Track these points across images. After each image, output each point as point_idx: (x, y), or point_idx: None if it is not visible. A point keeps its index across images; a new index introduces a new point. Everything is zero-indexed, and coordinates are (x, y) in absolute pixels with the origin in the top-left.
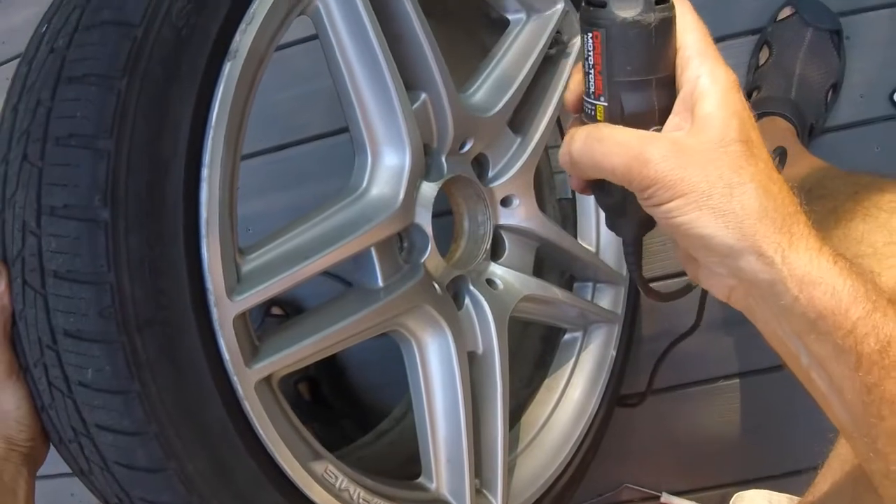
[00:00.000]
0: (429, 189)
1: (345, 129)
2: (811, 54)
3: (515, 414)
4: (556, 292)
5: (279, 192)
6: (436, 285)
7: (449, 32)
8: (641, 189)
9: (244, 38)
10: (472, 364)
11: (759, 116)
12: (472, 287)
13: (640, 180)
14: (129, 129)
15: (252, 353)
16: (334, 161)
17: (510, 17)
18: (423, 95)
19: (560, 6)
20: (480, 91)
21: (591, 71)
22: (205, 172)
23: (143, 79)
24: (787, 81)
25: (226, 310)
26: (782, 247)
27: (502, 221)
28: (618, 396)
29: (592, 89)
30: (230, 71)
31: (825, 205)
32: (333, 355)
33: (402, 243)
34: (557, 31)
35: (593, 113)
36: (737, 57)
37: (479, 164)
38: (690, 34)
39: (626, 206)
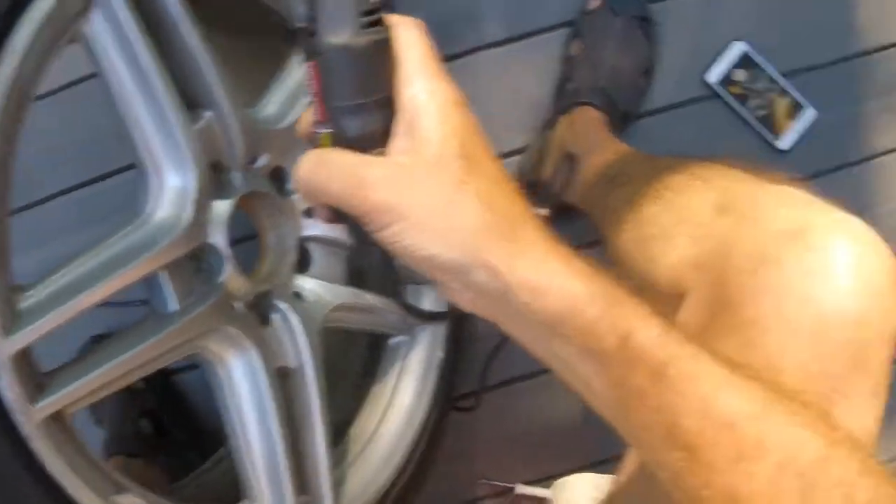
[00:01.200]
0: (222, 207)
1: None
2: (621, 42)
3: (344, 425)
4: (370, 299)
5: (84, 231)
6: (236, 304)
7: (241, 46)
8: (362, 214)
9: (2, 70)
10: (287, 379)
11: (571, 107)
12: (278, 302)
13: (360, 206)
14: None
15: (37, 389)
16: (79, 215)
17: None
18: (208, 113)
19: None
20: (272, 103)
21: (315, 100)
22: None
23: None
24: (598, 71)
25: (1, 349)
26: (509, 256)
27: (306, 233)
28: (452, 398)
29: (318, 117)
30: None
31: (624, 190)
32: (171, 385)
33: (199, 264)
34: None
35: (321, 141)
36: (549, 50)
37: (278, 176)
38: (411, 51)
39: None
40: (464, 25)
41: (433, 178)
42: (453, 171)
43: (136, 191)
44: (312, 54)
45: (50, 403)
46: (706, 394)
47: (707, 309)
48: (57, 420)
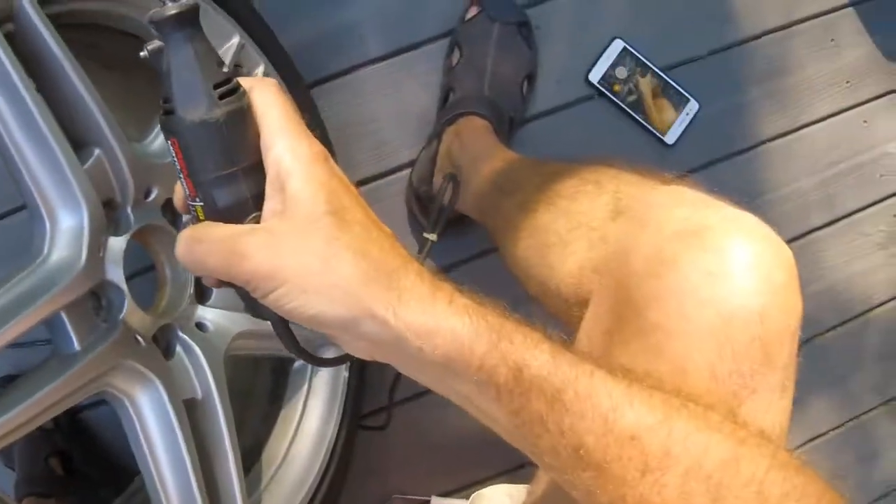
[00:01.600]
0: (117, 243)
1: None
2: (501, 49)
3: (255, 450)
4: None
5: None
6: (139, 338)
7: (121, 81)
8: (244, 283)
9: None
10: (195, 410)
11: (456, 117)
12: (180, 334)
13: (240, 275)
14: None
15: None
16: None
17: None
18: (97, 151)
19: (236, 39)
20: (159, 138)
21: (181, 175)
22: None
23: None
24: (480, 79)
25: None
26: (392, 304)
27: None
28: (361, 416)
29: (187, 192)
30: None
31: (516, 198)
32: (79, 422)
33: (99, 302)
34: (237, 65)
35: (196, 214)
36: (431, 62)
37: (170, 209)
38: (269, 113)
39: None
40: (346, 42)
41: (306, 238)
42: (324, 228)
43: (31, 234)
44: (172, 133)
45: None
46: (606, 411)
47: (611, 314)
48: None
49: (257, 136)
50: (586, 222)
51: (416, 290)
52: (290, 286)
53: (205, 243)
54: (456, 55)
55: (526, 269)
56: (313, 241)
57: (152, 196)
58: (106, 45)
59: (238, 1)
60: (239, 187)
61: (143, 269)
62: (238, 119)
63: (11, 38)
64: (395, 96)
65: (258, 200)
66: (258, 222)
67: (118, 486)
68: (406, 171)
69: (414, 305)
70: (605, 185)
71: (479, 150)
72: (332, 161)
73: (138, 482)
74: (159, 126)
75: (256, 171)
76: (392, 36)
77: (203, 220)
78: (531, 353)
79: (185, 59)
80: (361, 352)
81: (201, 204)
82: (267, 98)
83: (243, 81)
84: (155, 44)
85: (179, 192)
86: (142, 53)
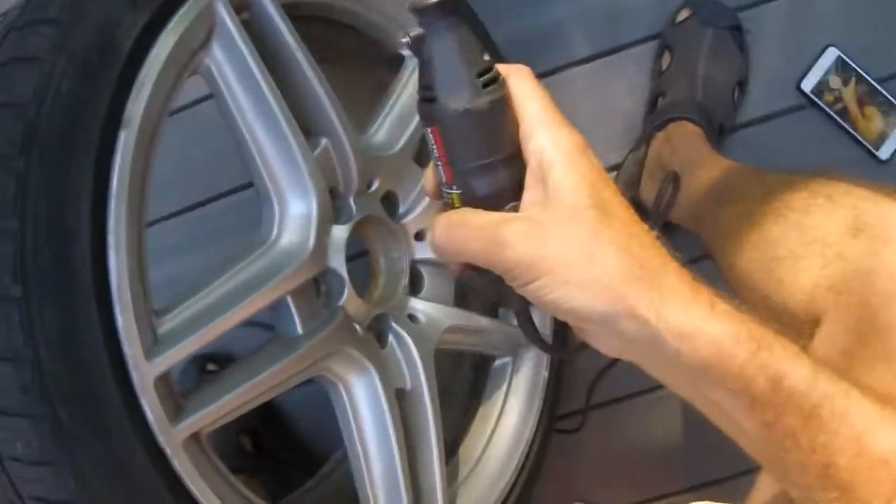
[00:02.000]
0: (340, 232)
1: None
2: (713, 54)
3: (454, 445)
4: (480, 321)
5: (199, 251)
6: (357, 326)
7: (345, 74)
8: (504, 272)
9: (136, 106)
10: (403, 400)
11: (667, 122)
12: (394, 324)
13: (501, 264)
14: (32, 207)
15: (176, 411)
16: (250, 215)
17: (404, 52)
18: (324, 140)
19: None
20: (382, 129)
21: (439, 163)
22: (111, 240)
23: (40, 156)
24: (692, 84)
25: (145, 373)
26: (655, 304)
27: (418, 255)
28: (555, 417)
29: (444, 179)
30: (125, 139)
31: (737, 208)
32: (270, 403)
33: (319, 288)
34: None
35: (450, 201)
36: (639, 64)
37: (389, 201)
38: (530, 103)
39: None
40: (551, 43)
41: (569, 230)
42: (588, 220)
43: (260, 217)
44: (433, 120)
45: (189, 424)
46: (860, 432)
47: (850, 333)
48: (195, 440)
49: (516, 124)
50: (821, 237)
51: (678, 291)
52: (551, 277)
53: (465, 229)
54: (666, 58)
55: (749, 282)
56: (577, 234)
57: (374, 187)
58: (322, 37)
59: None
60: (499, 176)
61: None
62: (499, 108)
63: (247, 27)
64: (601, 98)
65: (517, 189)
66: (516, 211)
67: (307, 469)
68: (611, 174)
69: (676, 307)
70: (838, 199)
71: (691, 157)
72: (590, 152)
73: (329, 467)
74: (417, 114)
75: (516, 159)
76: (599, 37)
77: (458, 207)
78: (791, 364)
79: (448, 47)
80: (611, 349)
81: (459, 192)
82: (525, 86)
83: (500, 69)
84: (416, 31)
85: (432, 179)
86: (403, 40)
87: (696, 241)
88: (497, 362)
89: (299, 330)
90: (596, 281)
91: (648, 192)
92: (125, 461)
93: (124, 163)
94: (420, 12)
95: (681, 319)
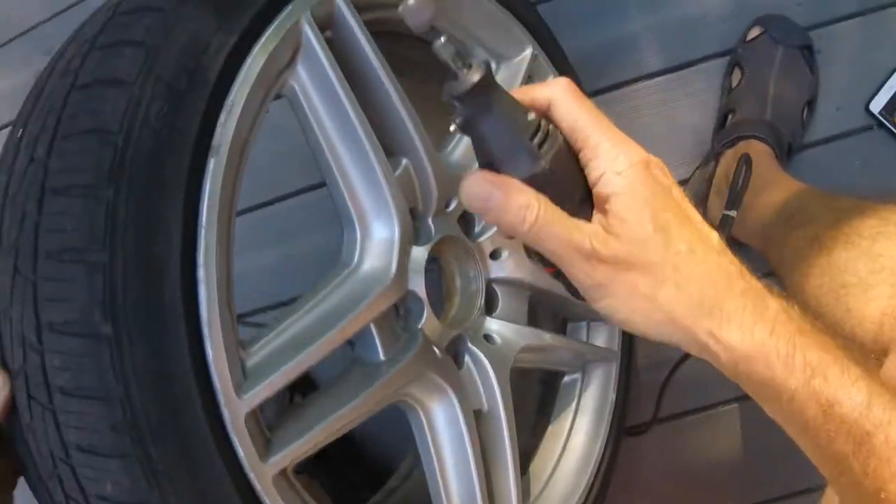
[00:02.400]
0: (419, 253)
1: (323, 183)
2: (784, 73)
3: (523, 464)
4: (549, 339)
5: (264, 251)
6: (435, 349)
7: (419, 89)
8: (580, 288)
9: (225, 131)
10: (479, 422)
11: (736, 140)
12: (470, 345)
13: (573, 276)
14: (121, 239)
15: (265, 447)
16: (316, 215)
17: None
18: (404, 161)
19: (529, 51)
20: (459, 147)
21: None
22: (201, 273)
23: (129, 186)
24: (762, 103)
25: (236, 409)
26: (713, 331)
27: (493, 275)
28: (624, 432)
29: None
30: (215, 167)
31: (806, 232)
32: None
33: (398, 311)
34: (528, 77)
35: None
36: (709, 80)
37: (465, 220)
38: (578, 125)
39: None
40: (622, 55)
41: (634, 260)
42: (652, 248)
43: (342, 242)
44: None
45: (279, 460)
46: None
47: None
48: (283, 475)
49: (577, 160)
50: (890, 266)
51: (738, 317)
52: (615, 301)
53: (551, 228)
54: (736, 76)
55: (817, 307)
56: (641, 265)
57: (451, 206)
58: (393, 51)
59: (531, 12)
60: (580, 215)
61: None
62: (561, 158)
63: (330, 45)
64: (670, 112)
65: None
66: None
67: (370, 480)
68: None
69: (735, 331)
70: None
71: (761, 176)
72: (652, 166)
73: (395, 482)
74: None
75: (589, 195)
76: (669, 52)
77: None
78: (846, 391)
79: (496, 121)
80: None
81: None
82: (571, 109)
83: (539, 90)
84: (462, 114)
85: None
86: (451, 128)
87: (763, 261)
88: (566, 379)
89: (381, 356)
90: (657, 311)
91: (715, 209)
92: (216, 499)
93: (214, 191)
94: (459, 99)
95: (739, 343)
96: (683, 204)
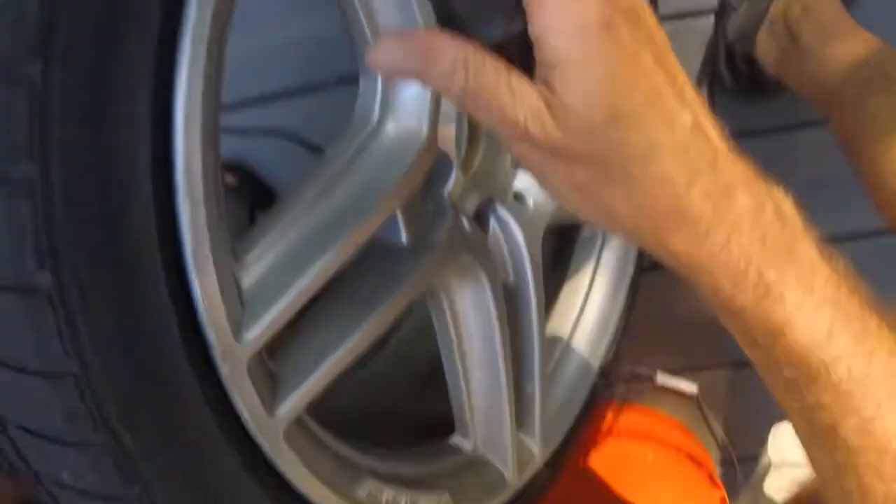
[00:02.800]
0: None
1: None
2: None
3: None
4: None
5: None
6: (464, 220)
7: None
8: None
9: None
10: (506, 297)
11: None
12: (498, 207)
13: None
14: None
15: (272, 394)
16: None
17: None
18: None
19: None
20: None
21: None
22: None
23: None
24: None
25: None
26: (662, 240)
27: None
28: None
29: None
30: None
31: (890, 100)
32: None
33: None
34: None
35: None
36: None
37: None
38: None
39: None
40: None
41: (572, 152)
42: (599, 144)
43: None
44: None
45: (289, 409)
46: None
47: None
48: (297, 422)
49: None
50: None
51: (692, 225)
52: (552, 188)
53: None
54: None
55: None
56: (581, 159)
57: None
58: None
59: None
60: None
61: None
62: None
63: None
64: None
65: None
66: None
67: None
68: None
69: (679, 242)
70: None
71: (827, 24)
72: (614, 27)
73: None
74: None
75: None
76: None
77: None
78: (803, 315)
79: None
80: None
81: None
82: None
83: None
84: None
85: None
86: None
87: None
88: (585, 233)
89: (404, 238)
90: (600, 208)
91: (765, 49)
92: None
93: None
94: None
95: (684, 256)
96: (654, 73)
